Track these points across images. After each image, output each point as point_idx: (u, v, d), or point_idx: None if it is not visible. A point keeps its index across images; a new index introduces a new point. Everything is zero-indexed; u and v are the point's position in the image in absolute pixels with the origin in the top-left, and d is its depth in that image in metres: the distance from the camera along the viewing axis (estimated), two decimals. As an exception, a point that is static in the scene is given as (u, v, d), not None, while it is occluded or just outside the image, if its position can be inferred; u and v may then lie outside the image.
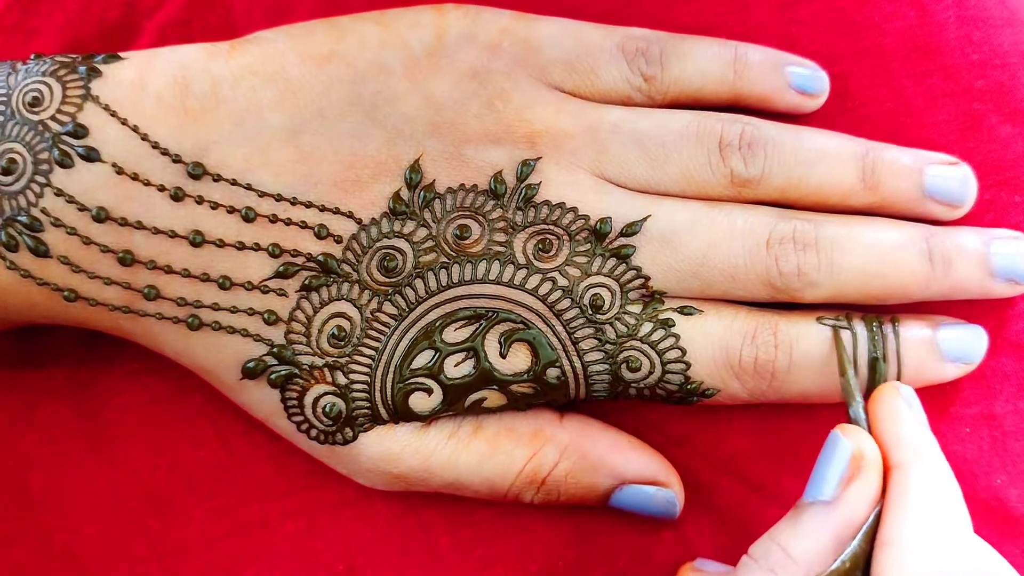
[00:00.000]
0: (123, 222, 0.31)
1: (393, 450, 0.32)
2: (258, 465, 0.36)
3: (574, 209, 0.32)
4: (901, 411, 0.30)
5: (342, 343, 0.32)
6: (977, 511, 0.33)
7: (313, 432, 0.32)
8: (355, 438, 0.32)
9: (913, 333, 0.33)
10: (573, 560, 0.35)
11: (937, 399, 0.34)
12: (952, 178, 0.33)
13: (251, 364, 0.32)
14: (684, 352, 0.32)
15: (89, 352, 0.36)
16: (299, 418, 0.32)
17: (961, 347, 0.33)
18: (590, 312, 0.32)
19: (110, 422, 0.36)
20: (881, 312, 0.33)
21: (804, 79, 0.35)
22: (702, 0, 0.36)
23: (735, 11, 0.36)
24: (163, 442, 0.36)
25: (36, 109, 0.31)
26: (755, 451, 0.35)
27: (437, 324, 0.32)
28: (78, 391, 0.36)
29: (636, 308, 0.32)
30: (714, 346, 0.32)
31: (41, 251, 0.31)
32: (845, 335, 0.32)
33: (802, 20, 0.36)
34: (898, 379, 0.32)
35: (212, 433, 0.36)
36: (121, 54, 0.33)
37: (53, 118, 0.31)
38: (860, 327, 0.32)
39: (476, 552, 0.35)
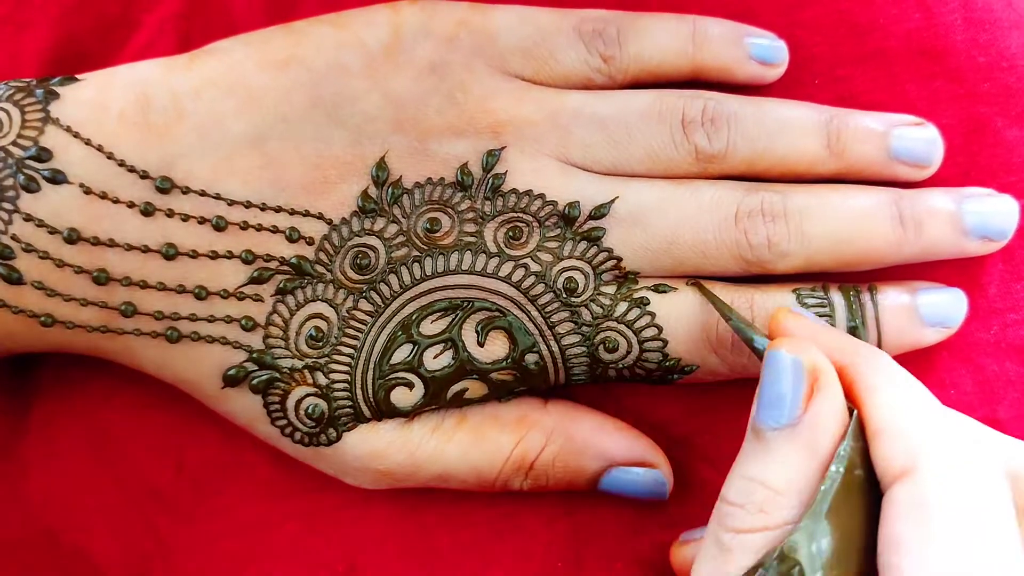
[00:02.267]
0: (95, 241, 0.31)
1: (378, 447, 0.33)
2: (261, 465, 0.36)
3: (542, 195, 0.32)
4: (808, 323, 0.30)
5: (320, 343, 0.32)
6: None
7: (297, 435, 0.33)
8: (339, 438, 0.33)
9: (892, 300, 0.33)
10: (571, 561, 0.35)
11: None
12: (918, 139, 0.33)
13: (232, 371, 0.32)
14: (660, 330, 0.32)
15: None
16: (283, 422, 0.33)
17: (941, 311, 0.33)
18: (564, 296, 0.32)
19: (112, 423, 0.36)
20: (859, 281, 0.33)
21: (763, 49, 0.34)
22: (705, 3, 0.35)
23: (739, 14, 0.35)
24: (169, 442, 0.36)
25: None
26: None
27: (413, 317, 0.32)
28: (71, 392, 0.36)
29: (610, 289, 0.32)
30: (690, 322, 0.32)
31: (14, 278, 0.31)
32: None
33: (806, 23, 0.35)
34: (879, 347, 0.32)
35: (216, 433, 0.36)
36: (77, 76, 0.33)
37: (14, 143, 0.31)
38: (837, 296, 0.33)
39: (475, 553, 0.35)
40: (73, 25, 0.37)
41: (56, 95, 0.32)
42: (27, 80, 0.32)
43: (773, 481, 0.27)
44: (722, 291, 0.33)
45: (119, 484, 0.36)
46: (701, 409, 0.35)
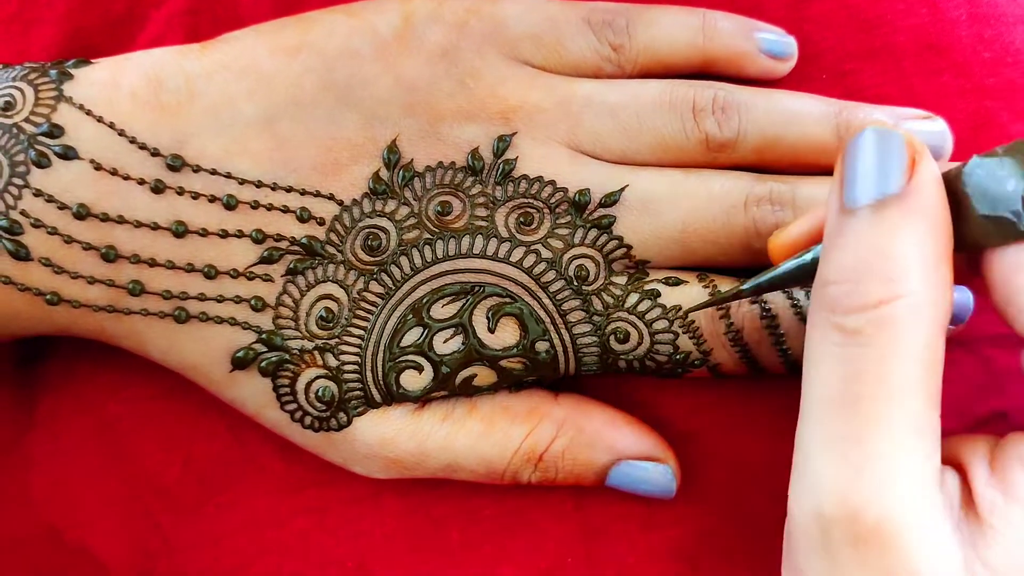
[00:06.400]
0: (104, 217, 0.31)
1: (388, 434, 0.32)
2: (270, 460, 0.36)
3: (552, 182, 0.32)
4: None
5: (331, 324, 0.32)
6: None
7: (307, 420, 0.32)
8: (349, 423, 0.32)
9: None
10: (581, 557, 0.35)
11: (948, 396, 0.34)
12: (927, 132, 0.34)
13: (241, 353, 0.32)
14: (671, 322, 0.32)
15: (83, 345, 0.35)
16: (292, 406, 0.32)
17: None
18: (576, 284, 0.32)
19: (118, 416, 0.36)
20: None
21: (773, 44, 0.35)
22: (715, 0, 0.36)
23: (748, 9, 0.35)
24: (175, 437, 0.36)
25: (9, 113, 0.31)
26: (764, 451, 0.35)
27: (424, 301, 0.32)
28: (77, 386, 0.36)
29: (621, 279, 0.32)
30: (700, 315, 0.32)
31: (22, 254, 0.31)
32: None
33: (814, 18, 0.36)
34: None
35: (224, 427, 0.36)
36: (91, 60, 0.33)
37: (27, 120, 0.31)
38: None
39: (485, 549, 0.35)
40: (80, 22, 0.37)
41: (70, 76, 0.32)
42: (42, 63, 0.32)
43: (896, 248, 0.25)
44: (731, 284, 0.32)
45: (124, 480, 0.35)
46: (709, 404, 0.35)
